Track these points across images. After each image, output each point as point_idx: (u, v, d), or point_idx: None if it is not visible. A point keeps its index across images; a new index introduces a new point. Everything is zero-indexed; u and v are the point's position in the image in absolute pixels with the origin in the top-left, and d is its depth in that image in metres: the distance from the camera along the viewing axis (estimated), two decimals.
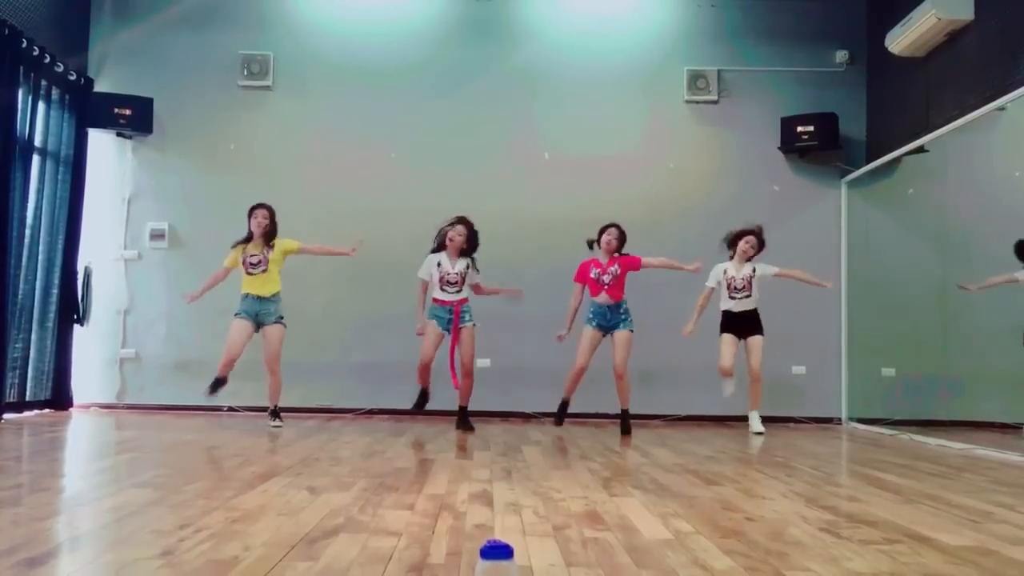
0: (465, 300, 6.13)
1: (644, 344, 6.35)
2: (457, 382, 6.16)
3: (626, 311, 6.14)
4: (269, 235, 6.18)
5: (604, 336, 6.17)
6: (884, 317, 7.33)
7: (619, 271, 6.12)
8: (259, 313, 6.10)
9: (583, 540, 2.59)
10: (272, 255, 6.15)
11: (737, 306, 6.43)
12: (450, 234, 6.09)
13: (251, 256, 6.14)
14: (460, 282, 6.10)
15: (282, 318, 6.18)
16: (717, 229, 6.94)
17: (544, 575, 2.17)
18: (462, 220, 6.15)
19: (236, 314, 6.12)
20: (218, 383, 6.09)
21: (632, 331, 6.11)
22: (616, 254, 6.18)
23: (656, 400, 7.24)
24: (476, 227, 6.17)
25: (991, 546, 2.63)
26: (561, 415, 6.40)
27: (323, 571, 2.17)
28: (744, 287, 6.42)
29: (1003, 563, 2.42)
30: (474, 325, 6.15)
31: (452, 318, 6.07)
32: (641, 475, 4.12)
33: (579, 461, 4.58)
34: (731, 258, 6.53)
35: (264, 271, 6.13)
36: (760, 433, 6.29)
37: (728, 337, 6.45)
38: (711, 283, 6.53)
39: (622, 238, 6.21)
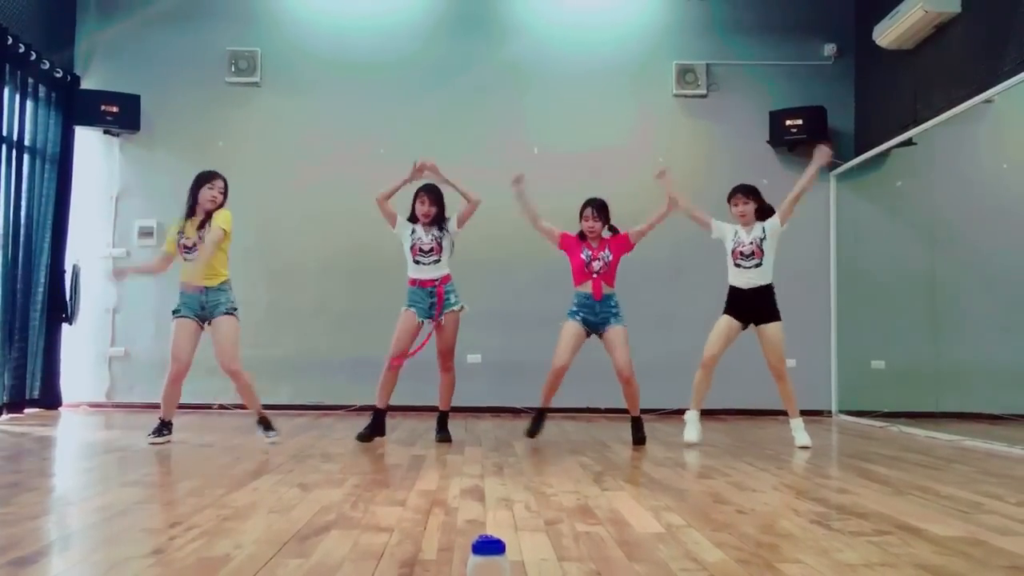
0: (448, 278, 5.19)
1: (632, 338, 6.03)
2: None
3: (616, 304, 5.25)
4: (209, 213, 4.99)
5: (589, 335, 5.26)
6: (873, 309, 7.36)
7: (611, 257, 5.22)
8: (204, 306, 4.99)
9: (575, 534, 2.60)
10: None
11: (745, 279, 5.20)
12: (418, 212, 5.24)
13: (185, 239, 4.97)
14: (437, 249, 5.16)
15: (235, 308, 5.02)
16: None
17: (536, 569, 2.18)
18: (427, 190, 5.28)
19: (174, 311, 5.02)
20: (163, 427, 4.98)
21: (625, 325, 5.26)
22: (604, 235, 5.28)
23: (646, 394, 7.22)
24: (444, 198, 5.33)
25: (980, 536, 2.64)
26: (537, 426, 5.29)
27: (315, 568, 2.17)
28: (753, 252, 5.18)
29: (992, 553, 2.44)
30: (462, 308, 5.20)
31: (435, 301, 5.13)
32: (632, 469, 4.13)
33: (570, 456, 4.59)
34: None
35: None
36: (806, 447, 5.11)
37: (724, 320, 5.24)
38: (714, 229, 5.40)
39: (604, 214, 5.25)
